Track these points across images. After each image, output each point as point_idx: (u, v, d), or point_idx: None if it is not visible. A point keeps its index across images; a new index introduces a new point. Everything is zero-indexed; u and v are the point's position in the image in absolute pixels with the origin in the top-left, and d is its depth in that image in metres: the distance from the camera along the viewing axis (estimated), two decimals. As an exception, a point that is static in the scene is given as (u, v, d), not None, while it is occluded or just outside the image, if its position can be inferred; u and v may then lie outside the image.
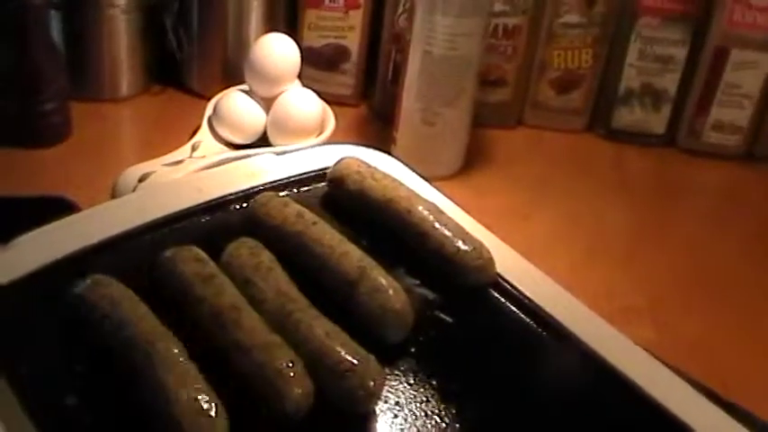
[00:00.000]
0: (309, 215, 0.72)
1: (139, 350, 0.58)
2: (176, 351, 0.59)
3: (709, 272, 1.01)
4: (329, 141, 1.04)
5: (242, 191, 0.79)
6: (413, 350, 0.66)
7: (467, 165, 1.12)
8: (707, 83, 1.16)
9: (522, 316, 0.71)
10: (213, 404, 0.56)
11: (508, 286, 0.73)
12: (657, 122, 1.20)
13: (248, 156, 0.94)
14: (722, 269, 1.02)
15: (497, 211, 1.00)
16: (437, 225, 0.73)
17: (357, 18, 1.17)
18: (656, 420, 0.63)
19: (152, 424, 0.56)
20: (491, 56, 1.15)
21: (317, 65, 1.18)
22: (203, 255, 0.67)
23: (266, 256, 0.68)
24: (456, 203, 0.82)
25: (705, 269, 1.02)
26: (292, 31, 1.15)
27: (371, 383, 0.59)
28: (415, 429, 0.60)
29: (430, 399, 0.63)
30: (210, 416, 0.55)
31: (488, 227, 0.80)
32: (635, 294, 0.95)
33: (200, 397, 0.56)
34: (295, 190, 0.80)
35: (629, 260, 1.01)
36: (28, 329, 0.64)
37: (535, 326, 0.70)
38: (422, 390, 0.63)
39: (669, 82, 1.18)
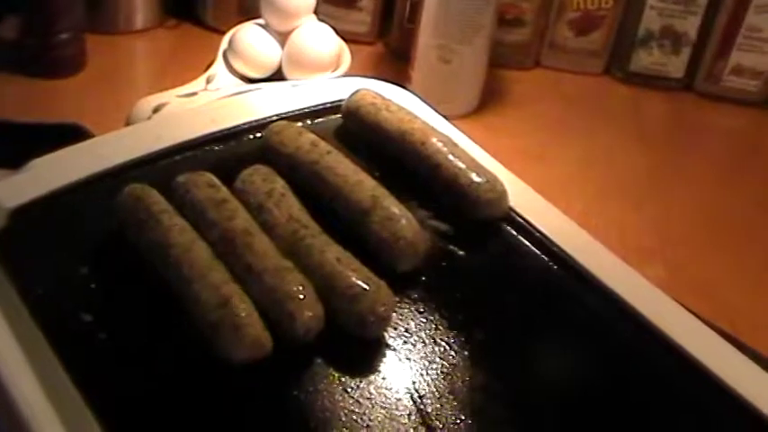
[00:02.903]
0: (324, 144, 0.72)
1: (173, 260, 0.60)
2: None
3: (722, 216, 1.01)
4: (344, 76, 1.03)
5: (256, 121, 0.78)
6: (423, 279, 0.66)
7: (482, 104, 1.12)
8: (728, 26, 1.15)
9: (534, 250, 0.71)
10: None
11: (521, 220, 0.72)
12: (676, 66, 1.19)
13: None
14: (734, 213, 1.02)
15: (512, 150, 1.00)
16: (451, 157, 0.73)
17: (375, -47, 1.16)
18: (666, 353, 0.63)
19: (171, 339, 0.58)
20: (510, -6, 1.14)
21: (333, 1, 1.17)
22: (216, 180, 0.67)
23: (279, 183, 0.67)
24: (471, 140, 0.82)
25: (717, 213, 1.02)
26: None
27: (382, 309, 0.60)
28: (423, 355, 0.60)
29: (439, 327, 0.63)
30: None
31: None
32: (647, 235, 0.96)
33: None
34: (309, 121, 0.80)
35: (642, 202, 1.01)
36: (41, 250, 0.64)
37: (546, 260, 0.70)
38: (431, 318, 0.63)
39: (690, 25, 1.16)
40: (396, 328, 0.62)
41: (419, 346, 0.61)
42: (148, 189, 0.65)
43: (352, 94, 0.80)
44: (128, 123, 0.92)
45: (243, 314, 0.56)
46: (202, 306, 0.57)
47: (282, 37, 1.05)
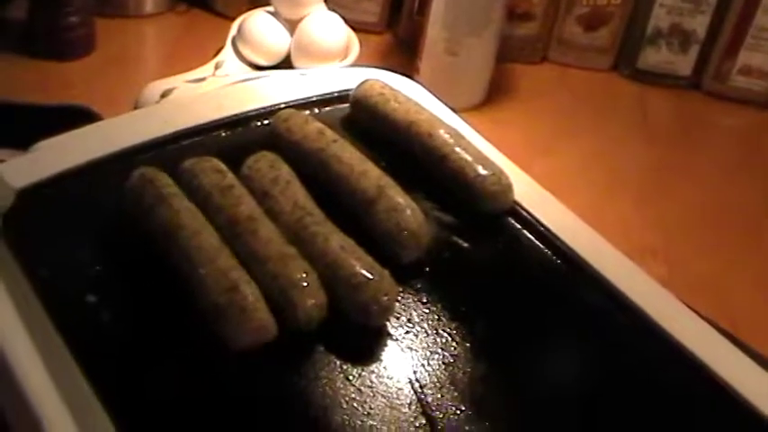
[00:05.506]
0: (330, 133, 0.72)
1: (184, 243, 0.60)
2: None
3: (725, 214, 1.01)
4: (353, 66, 1.04)
5: (263, 108, 0.78)
6: (427, 270, 0.67)
7: (489, 98, 1.12)
8: (737, 26, 1.15)
9: (538, 243, 0.71)
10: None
11: (525, 214, 0.73)
12: (684, 64, 1.19)
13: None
14: (738, 212, 1.02)
15: (518, 144, 1.00)
16: (457, 149, 0.73)
17: (385, -57, 1.17)
18: (665, 350, 0.63)
19: (176, 322, 0.58)
20: (519, -12, 1.14)
21: (343, -10, 1.18)
22: (222, 166, 0.67)
23: (285, 170, 0.68)
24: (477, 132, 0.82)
25: (721, 211, 1.02)
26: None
27: (385, 298, 0.60)
28: (425, 345, 0.61)
29: (441, 318, 0.63)
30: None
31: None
32: (651, 233, 0.96)
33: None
34: (317, 109, 0.80)
35: (646, 199, 1.02)
36: (48, 231, 0.64)
37: (550, 254, 0.70)
38: (434, 309, 0.64)
39: (699, 23, 1.16)
40: (398, 318, 0.62)
41: (421, 336, 0.62)
42: (160, 173, 0.65)
43: (361, 83, 0.80)
44: (136, 107, 0.93)
45: (250, 299, 0.57)
46: (210, 290, 0.57)
47: (291, 25, 1.05)
